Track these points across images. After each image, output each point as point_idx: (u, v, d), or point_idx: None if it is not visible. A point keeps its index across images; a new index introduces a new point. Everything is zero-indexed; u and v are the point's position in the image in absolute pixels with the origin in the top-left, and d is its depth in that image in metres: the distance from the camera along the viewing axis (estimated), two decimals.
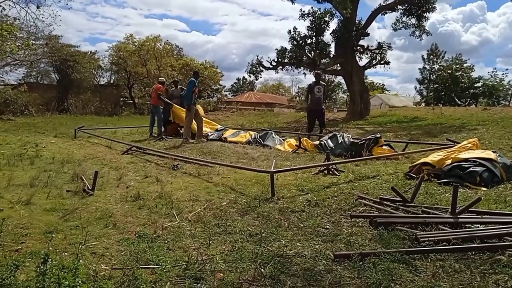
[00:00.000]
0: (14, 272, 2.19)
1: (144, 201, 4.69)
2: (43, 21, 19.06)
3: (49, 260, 2.16)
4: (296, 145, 9.22)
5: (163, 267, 2.80)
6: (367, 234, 3.49)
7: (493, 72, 46.76)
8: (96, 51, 40.91)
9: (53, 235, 3.44)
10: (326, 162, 6.49)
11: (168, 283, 2.58)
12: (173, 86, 13.72)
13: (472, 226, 3.47)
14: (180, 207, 4.47)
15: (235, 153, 8.57)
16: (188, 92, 10.67)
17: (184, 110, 11.98)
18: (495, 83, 41.65)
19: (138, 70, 32.67)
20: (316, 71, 12.70)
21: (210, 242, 3.37)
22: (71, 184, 5.55)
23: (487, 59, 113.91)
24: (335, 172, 6.21)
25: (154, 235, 3.53)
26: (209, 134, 11.68)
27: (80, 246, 2.76)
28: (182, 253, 3.13)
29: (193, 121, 10.82)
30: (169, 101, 12.45)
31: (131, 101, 32.75)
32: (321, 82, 11.57)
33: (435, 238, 3.19)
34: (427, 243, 3.13)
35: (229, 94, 69.60)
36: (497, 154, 5.72)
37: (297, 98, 50.39)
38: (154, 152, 8.54)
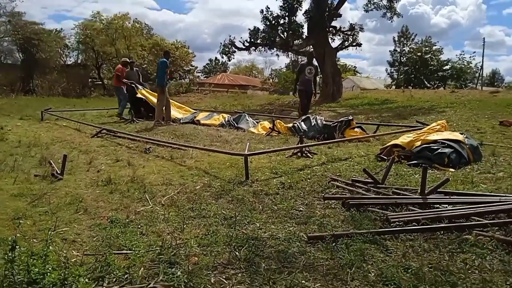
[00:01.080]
0: None
1: (115, 186, 4.61)
2: None
3: (18, 247, 2.10)
4: (269, 127, 9.23)
5: (136, 252, 2.77)
6: (340, 216, 3.55)
7: (461, 55, 48.08)
8: (61, 29, 39.44)
9: (21, 221, 3.34)
10: (300, 145, 6.54)
11: (142, 268, 2.56)
12: (127, 67, 12.98)
13: (441, 207, 3.59)
14: (153, 191, 4.42)
15: (208, 136, 8.51)
16: (160, 73, 10.39)
17: (151, 92, 11.96)
18: (462, 66, 42.79)
19: (106, 49, 31.71)
20: (309, 51, 12.44)
21: (184, 226, 3.35)
22: (39, 169, 5.39)
23: (456, 42, 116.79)
24: (308, 154, 6.27)
25: (127, 220, 3.48)
26: (181, 119, 11.45)
27: (50, 232, 2.68)
28: (156, 238, 3.10)
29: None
30: (129, 82, 12.18)
31: (100, 82, 31.88)
32: (313, 63, 10.88)
33: (405, 218, 3.29)
34: (398, 223, 3.23)
35: (201, 75, 68.63)
36: (465, 136, 5.91)
37: (270, 80, 50.35)
38: (125, 135, 8.38)
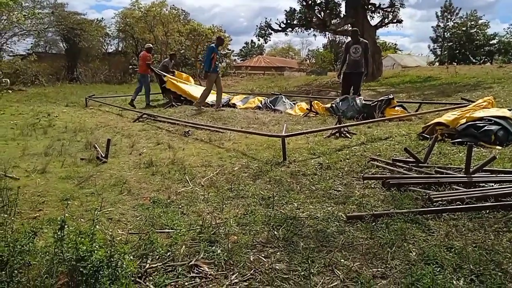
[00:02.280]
0: (32, 239, 2.24)
1: (157, 168, 4.74)
2: None
3: (66, 226, 2.20)
4: (307, 108, 9.14)
5: (178, 231, 2.85)
6: (380, 196, 3.49)
7: (509, 28, 45.36)
8: (102, 18, 40.58)
9: (69, 202, 3.51)
10: (338, 125, 6.43)
11: (183, 246, 2.63)
12: (168, 58, 13.35)
13: (486, 185, 3.44)
14: (193, 172, 4.51)
15: (245, 119, 8.54)
16: (206, 59, 10.26)
17: (177, 79, 12.34)
18: (511, 39, 40.38)
19: (145, 36, 32.24)
20: (353, 28, 11.07)
21: (223, 206, 3.40)
22: (85, 152, 5.62)
23: (503, 15, 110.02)
24: (347, 134, 6.17)
25: (168, 201, 3.58)
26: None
27: (96, 212, 2.80)
28: (196, 217, 3.17)
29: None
30: (158, 71, 12.39)
31: None
32: (360, 40, 9.63)
33: (449, 197, 3.18)
34: (440, 203, 3.13)
35: (238, 59, 68.54)
36: None
37: (307, 61, 49.61)
38: (165, 119, 8.56)
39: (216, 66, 10.15)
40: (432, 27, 51.45)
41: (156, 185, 4.10)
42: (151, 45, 13.24)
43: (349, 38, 10.06)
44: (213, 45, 10.29)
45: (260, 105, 10.48)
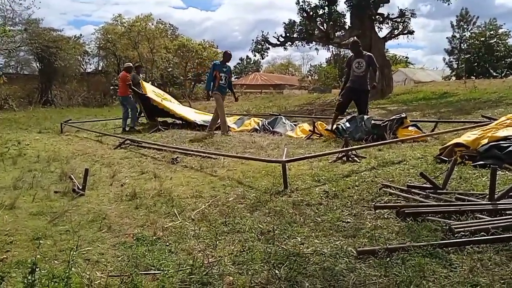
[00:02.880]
0: None
1: (141, 200, 4.71)
2: (21, 3, 19.16)
3: (38, 269, 2.17)
4: (310, 130, 9.18)
5: (165, 272, 2.81)
6: (394, 227, 3.47)
7: None
8: (81, 35, 41.14)
9: (41, 242, 3.47)
10: (345, 148, 6.45)
11: None
12: (134, 71, 13.24)
13: None
14: (182, 204, 4.49)
15: (241, 143, 8.56)
16: (208, 78, 10.58)
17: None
18: None
19: (128, 54, 32.72)
20: (353, 39, 10.55)
21: (217, 242, 3.37)
22: (59, 185, 5.60)
23: None
24: (355, 158, 6.17)
25: (154, 237, 3.55)
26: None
27: (72, 253, 2.78)
28: (186, 256, 3.14)
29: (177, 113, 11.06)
30: (140, 92, 12.43)
31: None
32: (364, 53, 9.20)
33: (472, 228, 3.16)
34: (463, 234, 3.10)
35: (232, 76, 68.96)
36: None
37: (309, 78, 50.17)
38: (150, 145, 8.57)
39: (220, 86, 10.20)
40: (447, 38, 52.15)
41: (140, 220, 4.07)
42: (131, 64, 13.33)
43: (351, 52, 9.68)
44: (217, 61, 10.60)
45: (257, 127, 10.53)
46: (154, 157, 7.60)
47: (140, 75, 14.03)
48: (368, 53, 9.43)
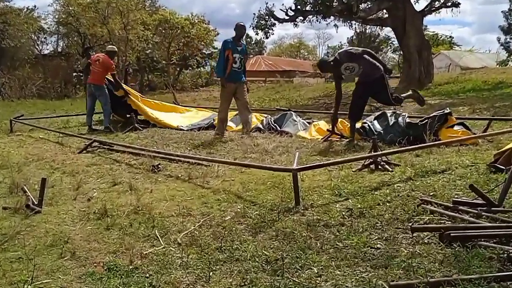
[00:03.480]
0: None
1: (113, 219, 4.71)
2: None
3: None
4: (328, 130, 9.17)
5: None
6: (437, 255, 3.47)
7: None
8: (35, 6, 41.10)
9: None
10: (373, 153, 6.44)
11: None
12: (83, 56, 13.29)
13: None
14: (165, 225, 4.49)
15: (240, 145, 8.57)
16: (219, 60, 10.17)
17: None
18: None
19: (96, 31, 32.78)
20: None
21: (211, 273, 3.38)
22: (9, 199, 5.60)
23: None
24: (386, 166, 6.17)
25: (130, 267, 3.55)
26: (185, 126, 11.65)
27: (26, 286, 2.78)
28: None
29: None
30: (121, 85, 12.55)
31: None
32: (355, 52, 8.70)
33: None
34: None
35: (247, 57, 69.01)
36: None
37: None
38: (125, 149, 8.56)
39: (234, 71, 9.84)
40: (502, 12, 51.72)
41: (113, 245, 4.07)
42: (115, 48, 13.38)
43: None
44: (228, 38, 10.03)
45: (261, 126, 10.51)
46: (129, 163, 7.61)
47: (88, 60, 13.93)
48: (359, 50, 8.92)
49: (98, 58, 12.25)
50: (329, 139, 8.86)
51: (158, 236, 4.19)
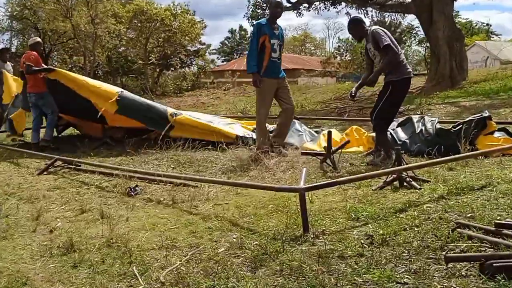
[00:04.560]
0: None
1: (81, 254, 4.69)
2: None
3: None
4: (341, 140, 9.17)
5: None
6: None
7: None
8: None
9: None
10: (397, 167, 6.44)
11: None
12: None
13: None
14: (145, 260, 4.47)
15: (235, 160, 8.57)
16: (250, 49, 9.37)
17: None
18: None
19: (58, 26, 32.88)
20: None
21: None
22: None
23: None
24: (412, 183, 6.16)
25: None
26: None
27: None
28: None
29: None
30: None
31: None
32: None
33: None
34: None
35: (218, 58, 69.70)
36: None
37: (338, 59, 50.33)
38: (95, 168, 8.55)
39: (272, 62, 9.19)
40: None
41: (81, 286, 4.05)
42: (37, 38, 13.22)
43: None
44: (262, 20, 9.63)
45: (251, 136, 10.44)
46: (100, 186, 7.60)
47: (8, 64, 13.80)
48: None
49: (23, 61, 11.79)
50: (341, 150, 8.79)
51: (137, 274, 4.17)
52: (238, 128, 11.21)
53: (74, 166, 8.93)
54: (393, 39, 7.99)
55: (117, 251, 4.73)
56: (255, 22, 9.80)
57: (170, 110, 11.07)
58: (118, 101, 10.61)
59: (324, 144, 9.40)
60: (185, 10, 41.94)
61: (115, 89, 11.32)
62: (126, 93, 11.18)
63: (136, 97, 11.53)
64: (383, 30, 7.92)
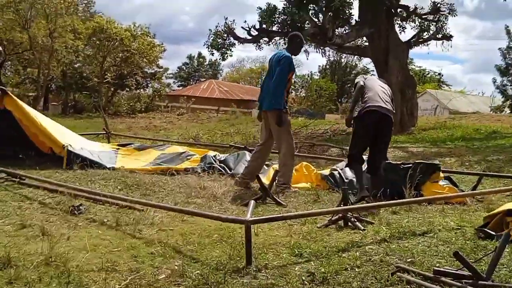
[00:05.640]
0: None
1: (18, 271, 4.57)
2: None
3: None
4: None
5: None
6: None
7: None
8: None
9: None
10: (342, 206, 6.49)
11: None
12: None
13: None
14: (84, 281, 4.38)
15: (183, 187, 8.53)
16: (277, 83, 8.46)
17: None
18: None
19: (14, 36, 32.42)
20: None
21: None
22: None
23: None
24: (357, 224, 6.22)
25: None
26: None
27: None
28: None
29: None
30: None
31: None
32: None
33: None
34: None
35: (174, 83, 69.58)
36: None
37: (293, 94, 50.73)
38: (40, 183, 8.41)
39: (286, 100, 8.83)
40: (499, 49, 53.51)
41: None
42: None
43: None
44: (288, 54, 8.75)
45: (204, 166, 10.38)
46: (43, 201, 7.46)
47: None
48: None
49: None
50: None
51: None
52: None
53: (18, 180, 8.76)
54: None
55: (55, 270, 4.63)
56: (285, 54, 8.57)
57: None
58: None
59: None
60: (146, 32, 41.89)
61: (61, 140, 10.99)
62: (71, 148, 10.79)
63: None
64: None
